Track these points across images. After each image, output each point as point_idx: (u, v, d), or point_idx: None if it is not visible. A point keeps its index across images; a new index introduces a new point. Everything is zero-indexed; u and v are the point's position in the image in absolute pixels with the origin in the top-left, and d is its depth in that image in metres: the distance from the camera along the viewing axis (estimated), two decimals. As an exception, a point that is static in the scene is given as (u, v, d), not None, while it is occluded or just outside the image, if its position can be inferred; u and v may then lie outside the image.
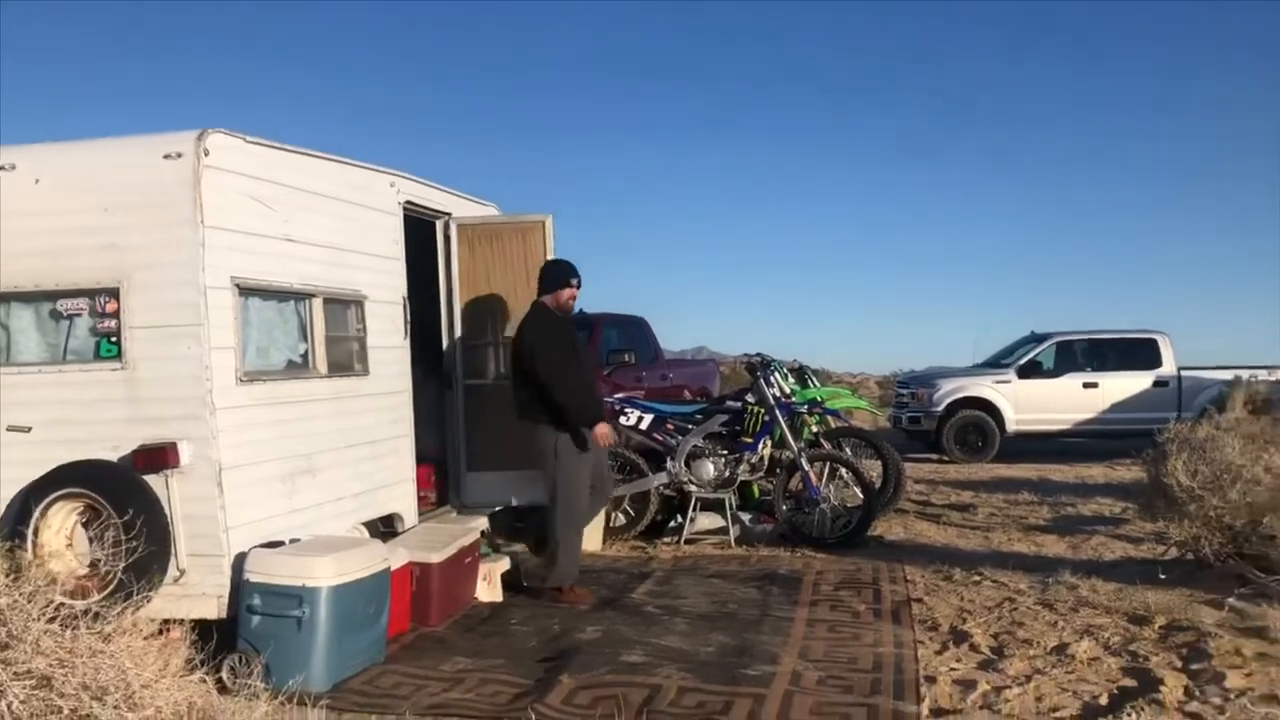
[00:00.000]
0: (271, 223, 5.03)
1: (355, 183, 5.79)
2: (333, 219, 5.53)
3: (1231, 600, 5.59)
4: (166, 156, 4.57)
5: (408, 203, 6.30)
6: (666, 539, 7.90)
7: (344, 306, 5.63)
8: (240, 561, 4.62)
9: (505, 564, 6.48)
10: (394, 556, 5.19)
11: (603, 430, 6.10)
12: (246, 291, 4.84)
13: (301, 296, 5.28)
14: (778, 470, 8.02)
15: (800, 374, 10.10)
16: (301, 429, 5.17)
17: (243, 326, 4.81)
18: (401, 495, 6.13)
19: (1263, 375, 12.85)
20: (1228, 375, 13.42)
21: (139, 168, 4.62)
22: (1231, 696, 4.21)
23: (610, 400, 8.57)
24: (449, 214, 6.90)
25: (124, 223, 4.62)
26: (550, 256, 6.90)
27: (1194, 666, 4.62)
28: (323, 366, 5.40)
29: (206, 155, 4.57)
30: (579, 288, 6.24)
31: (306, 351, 5.34)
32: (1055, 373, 14.34)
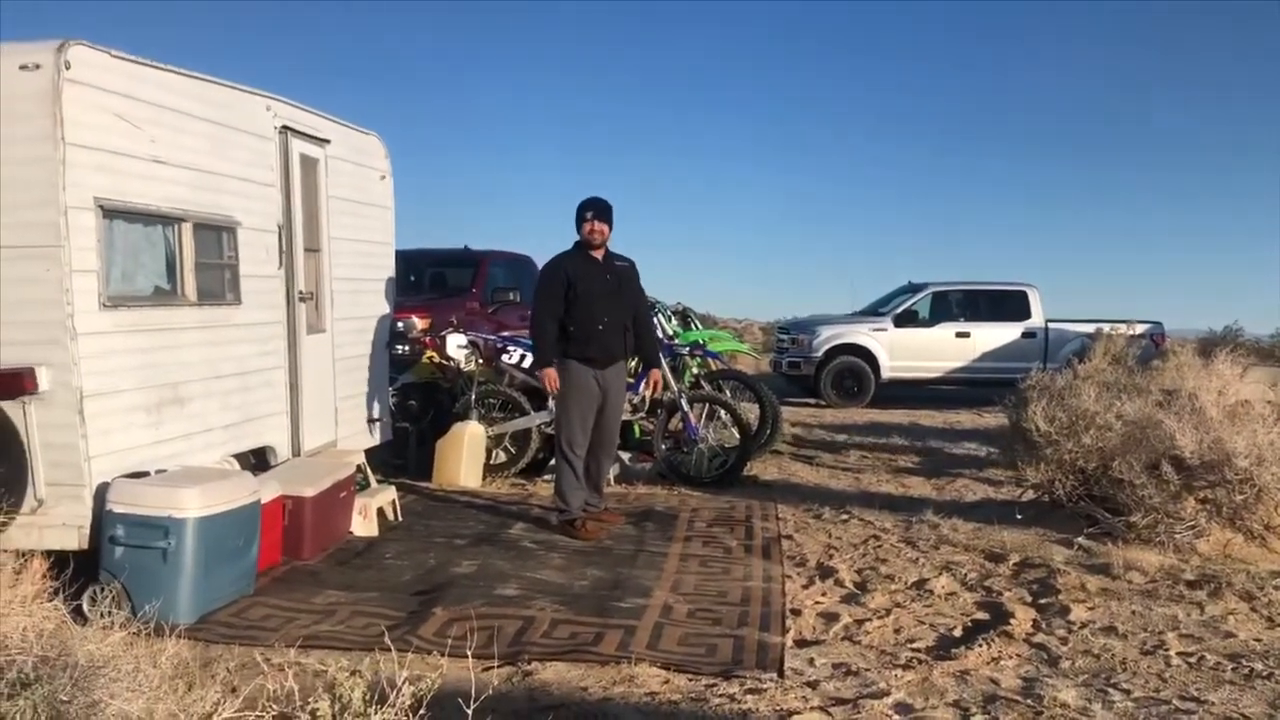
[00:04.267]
0: (138, 142, 4.81)
1: (228, 104, 5.56)
2: (204, 141, 5.32)
3: (1080, 539, 5.91)
4: (23, 68, 4.31)
5: (284, 127, 6.10)
6: (546, 477, 7.94)
7: (215, 233, 5.44)
8: (103, 492, 4.48)
9: (382, 498, 6.44)
10: (265, 489, 5.10)
11: (548, 375, 6.19)
12: (111, 213, 4.63)
13: (170, 220, 5.08)
14: (658, 410, 8.11)
15: (684, 317, 10.22)
16: (169, 357, 5.01)
17: (106, 250, 4.60)
18: (274, 428, 6.00)
19: (1122, 329, 13.44)
20: (1090, 328, 13.98)
21: (-9, 77, 4.35)
22: (1074, 628, 4.47)
23: (493, 339, 8.55)
24: (329, 141, 6.70)
25: (-26, 136, 4.36)
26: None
27: (1042, 601, 4.88)
28: (192, 294, 5.22)
29: (68, 68, 4.33)
30: (595, 219, 6.20)
31: (175, 278, 5.16)
32: (930, 322, 14.72)
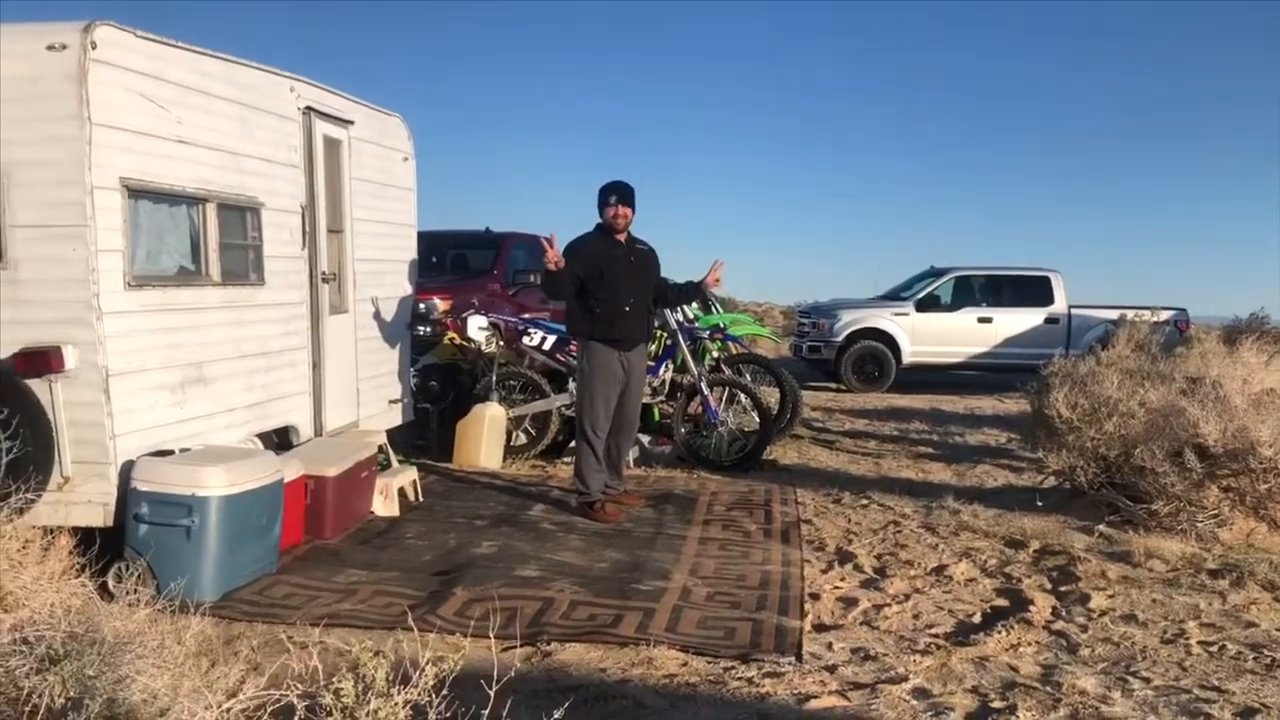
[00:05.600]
0: (163, 123, 4.83)
1: (252, 85, 5.57)
2: (228, 121, 5.34)
3: (1101, 527, 5.88)
4: (50, 48, 4.33)
5: (308, 108, 6.11)
6: (566, 459, 7.96)
7: (239, 213, 5.46)
8: (128, 469, 4.53)
9: (404, 479, 6.47)
10: (288, 468, 5.14)
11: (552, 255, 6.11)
12: (136, 193, 4.65)
13: (194, 201, 5.10)
14: (678, 394, 8.12)
15: (704, 300, 10.19)
16: (193, 337, 5.04)
17: (132, 230, 4.63)
18: (297, 408, 6.04)
19: (1146, 315, 13.33)
20: (1114, 314, 13.88)
21: (18, 58, 4.35)
22: (1094, 616, 4.46)
23: (514, 321, 8.56)
24: (352, 122, 6.71)
25: (2, 116, 4.38)
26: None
27: (1063, 588, 4.87)
28: (216, 274, 5.24)
29: (94, 49, 4.35)
30: (619, 203, 6.18)
31: (199, 258, 5.19)
32: (952, 307, 14.64)
